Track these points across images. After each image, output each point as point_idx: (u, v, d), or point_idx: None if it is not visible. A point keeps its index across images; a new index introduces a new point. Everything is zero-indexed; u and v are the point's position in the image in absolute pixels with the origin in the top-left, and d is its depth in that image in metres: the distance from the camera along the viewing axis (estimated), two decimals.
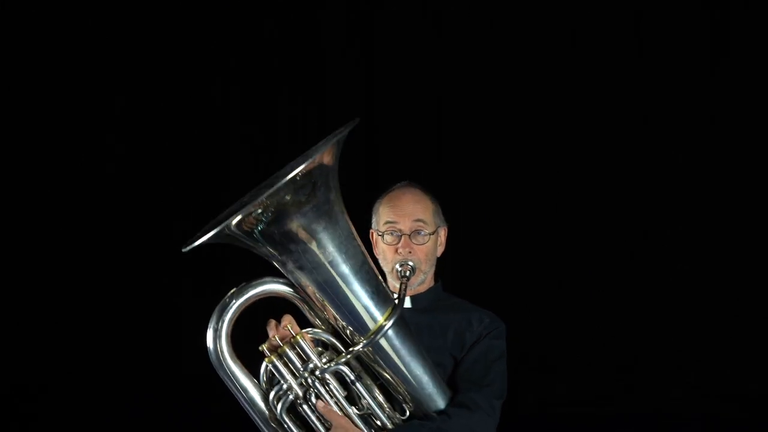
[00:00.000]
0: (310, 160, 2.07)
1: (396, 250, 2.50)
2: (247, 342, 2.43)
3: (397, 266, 2.48)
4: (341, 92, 5.29)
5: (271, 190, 2.04)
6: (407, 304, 2.52)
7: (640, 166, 5.18)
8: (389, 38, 5.30)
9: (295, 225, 2.13)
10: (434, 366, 2.42)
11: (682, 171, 5.12)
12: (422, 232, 2.51)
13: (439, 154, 5.22)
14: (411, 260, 2.48)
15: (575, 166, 5.20)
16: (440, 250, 2.61)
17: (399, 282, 2.46)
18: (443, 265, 2.67)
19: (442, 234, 2.60)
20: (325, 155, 2.12)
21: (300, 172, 2.06)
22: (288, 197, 2.09)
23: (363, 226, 2.63)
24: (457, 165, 5.22)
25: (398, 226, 2.51)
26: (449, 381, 2.48)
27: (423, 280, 2.58)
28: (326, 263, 2.20)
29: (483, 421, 2.37)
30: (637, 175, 5.17)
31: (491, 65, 5.22)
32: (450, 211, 2.68)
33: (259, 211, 2.08)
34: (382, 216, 2.55)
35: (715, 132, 5.11)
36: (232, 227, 2.09)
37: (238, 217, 2.06)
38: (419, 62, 5.27)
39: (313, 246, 2.17)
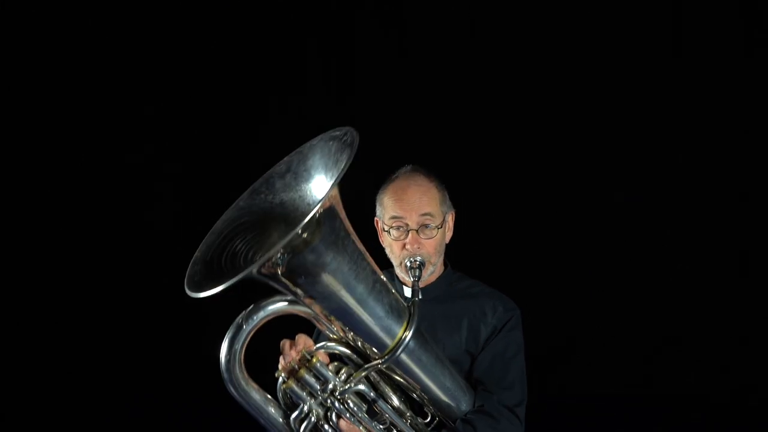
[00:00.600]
0: (318, 207, 1.93)
1: (404, 246, 2.39)
2: (259, 344, 2.36)
3: (407, 262, 2.38)
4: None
5: (286, 239, 1.91)
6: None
7: (653, 152, 4.97)
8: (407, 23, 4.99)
9: (304, 262, 2.02)
10: (452, 365, 2.35)
11: (690, 161, 4.92)
12: (430, 226, 2.39)
13: (449, 128, 4.95)
14: (420, 255, 2.38)
15: (588, 148, 4.98)
16: (448, 235, 2.50)
17: (408, 275, 2.37)
18: (452, 248, 2.56)
19: (450, 220, 2.49)
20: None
21: (311, 218, 1.92)
22: (297, 240, 1.96)
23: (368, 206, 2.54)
24: (467, 141, 4.96)
25: (405, 221, 2.39)
26: (467, 377, 2.43)
27: (433, 271, 2.48)
28: (338, 291, 2.10)
29: (508, 429, 2.33)
30: (652, 164, 4.97)
31: (509, 45, 4.95)
32: (460, 190, 2.57)
33: (276, 256, 1.96)
34: (388, 209, 2.42)
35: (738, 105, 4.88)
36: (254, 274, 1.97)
37: (255, 269, 1.93)
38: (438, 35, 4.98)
39: (323, 278, 2.06)
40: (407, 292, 2.49)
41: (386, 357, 2.17)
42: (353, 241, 2.12)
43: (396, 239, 2.40)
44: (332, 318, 2.17)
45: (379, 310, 2.16)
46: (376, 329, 2.17)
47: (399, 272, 2.48)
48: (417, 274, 2.33)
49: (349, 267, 2.09)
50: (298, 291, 2.09)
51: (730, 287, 4.94)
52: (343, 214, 2.10)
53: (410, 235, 2.37)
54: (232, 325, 2.20)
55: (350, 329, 2.18)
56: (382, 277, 2.20)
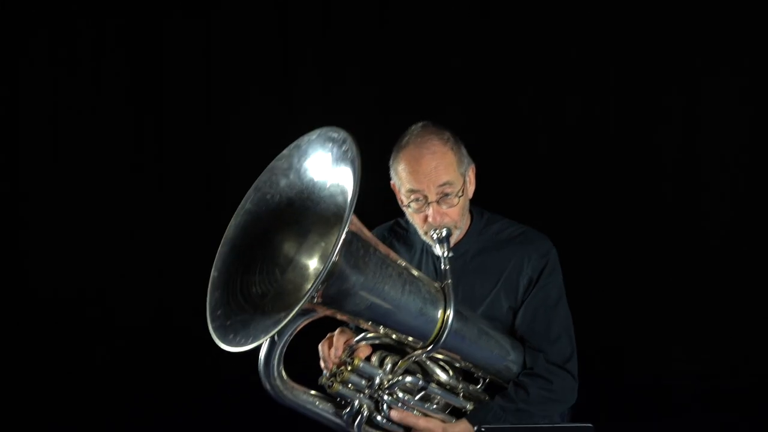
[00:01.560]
0: (337, 251, 1.83)
1: (426, 219, 2.27)
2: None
3: (432, 234, 2.26)
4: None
5: (312, 288, 1.84)
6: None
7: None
8: None
9: (330, 292, 1.94)
10: (496, 329, 2.30)
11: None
12: (450, 195, 2.25)
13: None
14: (445, 225, 2.26)
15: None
16: (471, 190, 2.36)
17: (435, 245, 2.27)
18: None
19: (471, 174, 2.34)
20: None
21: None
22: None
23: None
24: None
25: (423, 194, 2.25)
26: (510, 329, 2.37)
27: (460, 233, 2.38)
28: (369, 305, 2.02)
29: (562, 387, 2.29)
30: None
31: None
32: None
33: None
34: (403, 181, 2.28)
35: None
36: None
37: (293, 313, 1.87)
38: None
39: (352, 299, 1.99)
40: (437, 251, 2.39)
41: (429, 347, 2.13)
42: (373, 251, 2.02)
43: (417, 211, 2.27)
44: (368, 325, 2.11)
45: (413, 307, 2.09)
46: (415, 324, 2.11)
47: (425, 239, 2.36)
48: (446, 246, 2.22)
49: (375, 281, 2.01)
50: (329, 312, 2.03)
51: None
52: (357, 227, 2.00)
53: (431, 208, 2.24)
54: (265, 349, 2.13)
55: (388, 330, 2.12)
56: (407, 268, 2.12)
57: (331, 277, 1.90)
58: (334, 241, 1.85)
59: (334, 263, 1.86)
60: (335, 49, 4.24)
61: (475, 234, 2.42)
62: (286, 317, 1.85)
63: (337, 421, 2.24)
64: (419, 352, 2.14)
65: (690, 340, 4.54)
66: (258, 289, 2.09)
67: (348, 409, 2.20)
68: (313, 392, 2.24)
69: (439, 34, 4.28)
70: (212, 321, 2.03)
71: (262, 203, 2.19)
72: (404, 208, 2.34)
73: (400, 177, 2.29)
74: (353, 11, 4.28)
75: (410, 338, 2.14)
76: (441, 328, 2.11)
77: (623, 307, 4.56)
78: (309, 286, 1.88)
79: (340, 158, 2.01)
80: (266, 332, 1.89)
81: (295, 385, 2.21)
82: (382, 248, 2.07)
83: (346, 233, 1.87)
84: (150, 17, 4.43)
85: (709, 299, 4.55)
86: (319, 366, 2.25)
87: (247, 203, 2.21)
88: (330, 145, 2.05)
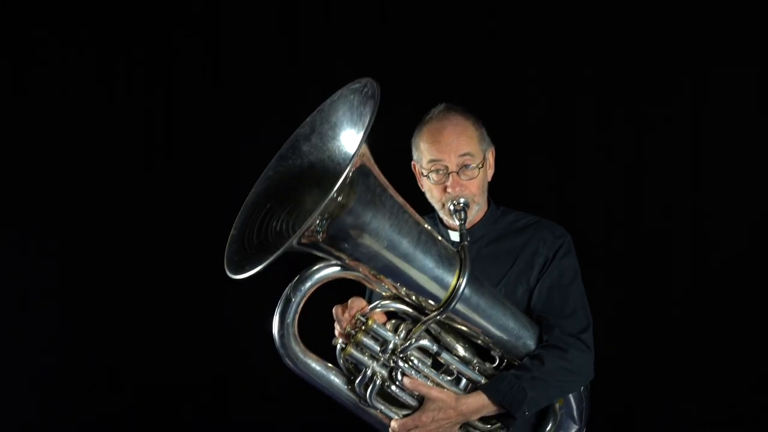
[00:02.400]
0: (349, 168, 1.83)
1: (445, 189, 2.30)
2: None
3: (450, 206, 2.29)
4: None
5: (321, 206, 1.82)
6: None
7: None
8: None
9: (344, 226, 1.93)
10: (513, 305, 2.27)
11: None
12: (470, 166, 2.30)
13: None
14: (463, 196, 2.28)
15: None
16: (490, 173, 2.41)
17: (453, 218, 2.29)
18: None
19: (490, 156, 2.39)
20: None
21: (344, 181, 1.83)
22: (332, 205, 1.87)
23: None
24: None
25: (444, 164, 2.29)
26: (526, 311, 2.35)
27: (477, 210, 2.39)
28: (382, 250, 2.01)
29: (578, 358, 2.25)
30: None
31: None
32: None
33: (314, 225, 1.88)
34: (425, 153, 2.33)
35: None
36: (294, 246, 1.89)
37: (294, 242, 1.85)
38: None
39: (366, 239, 1.98)
40: (454, 236, 2.41)
41: (442, 308, 2.10)
42: (391, 196, 2.03)
43: (436, 183, 2.31)
44: (381, 277, 2.09)
45: (429, 262, 2.08)
46: (429, 282, 2.09)
47: (443, 215, 2.39)
48: (462, 216, 2.24)
49: (390, 223, 2.01)
50: (342, 255, 2.02)
51: None
52: (375, 169, 2.01)
53: (451, 177, 2.28)
54: (281, 298, 2.14)
55: (401, 285, 2.10)
56: (426, 226, 2.12)
57: (344, 209, 1.90)
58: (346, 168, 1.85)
59: (347, 196, 1.87)
60: (335, 50, 4.27)
61: (490, 222, 2.45)
62: (298, 230, 1.83)
63: (350, 395, 2.20)
64: (434, 314, 2.11)
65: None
66: (279, 226, 2.08)
67: (360, 377, 2.16)
68: (329, 365, 2.21)
69: (441, 34, 4.28)
70: (229, 266, 2.02)
71: (283, 167, 2.21)
72: (423, 182, 2.36)
73: (422, 150, 2.33)
74: (353, 11, 4.33)
75: (424, 299, 2.12)
76: (455, 287, 2.09)
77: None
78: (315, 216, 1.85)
79: (362, 103, 2.03)
80: (276, 249, 1.85)
81: (309, 352, 2.19)
82: (401, 199, 2.08)
83: (363, 166, 1.89)
84: (156, 24, 4.46)
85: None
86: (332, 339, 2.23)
87: (269, 171, 2.24)
88: (352, 97, 2.08)
